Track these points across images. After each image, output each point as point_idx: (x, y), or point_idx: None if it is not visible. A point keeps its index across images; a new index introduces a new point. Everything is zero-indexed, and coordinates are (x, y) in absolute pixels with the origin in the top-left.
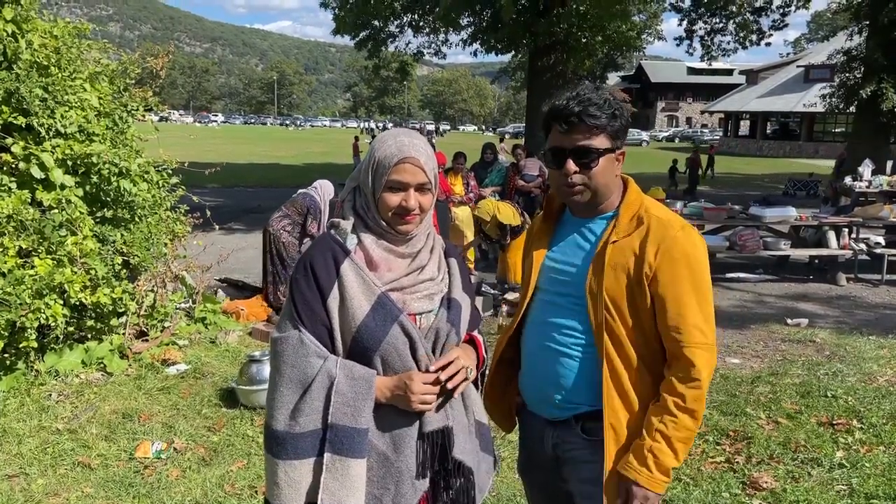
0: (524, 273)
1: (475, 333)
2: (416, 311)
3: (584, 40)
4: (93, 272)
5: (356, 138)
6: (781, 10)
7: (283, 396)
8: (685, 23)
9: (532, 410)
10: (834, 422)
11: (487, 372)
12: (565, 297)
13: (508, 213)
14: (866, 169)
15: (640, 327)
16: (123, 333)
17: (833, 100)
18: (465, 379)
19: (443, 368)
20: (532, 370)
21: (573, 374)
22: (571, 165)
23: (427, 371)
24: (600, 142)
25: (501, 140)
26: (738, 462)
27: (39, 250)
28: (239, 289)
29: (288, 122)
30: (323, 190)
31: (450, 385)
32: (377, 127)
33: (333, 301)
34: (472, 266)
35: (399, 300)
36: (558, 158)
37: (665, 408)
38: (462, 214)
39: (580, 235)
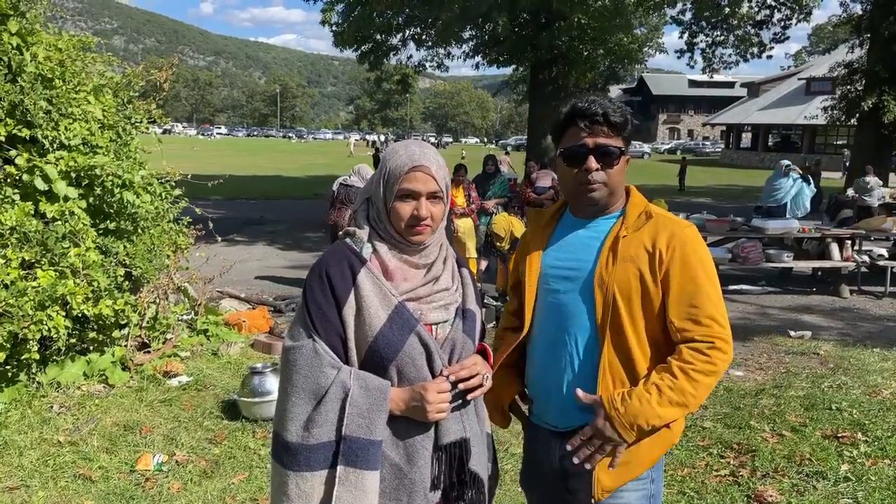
0: (520, 278)
1: (484, 343)
2: (433, 321)
3: (585, 53)
4: (95, 284)
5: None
6: (782, 23)
7: (295, 407)
8: (686, 35)
9: (538, 423)
10: (839, 435)
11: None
12: (572, 293)
13: (520, 228)
14: (874, 181)
15: (651, 321)
16: (125, 345)
17: (834, 112)
18: (481, 385)
19: (457, 375)
20: (541, 376)
21: (581, 377)
22: (593, 162)
23: (441, 375)
24: (619, 142)
25: (507, 153)
26: (742, 475)
27: (42, 262)
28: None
29: (291, 135)
30: (366, 176)
31: (462, 386)
32: (379, 139)
33: (349, 310)
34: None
35: (416, 310)
36: (578, 157)
37: (668, 368)
38: (464, 226)
39: (584, 233)
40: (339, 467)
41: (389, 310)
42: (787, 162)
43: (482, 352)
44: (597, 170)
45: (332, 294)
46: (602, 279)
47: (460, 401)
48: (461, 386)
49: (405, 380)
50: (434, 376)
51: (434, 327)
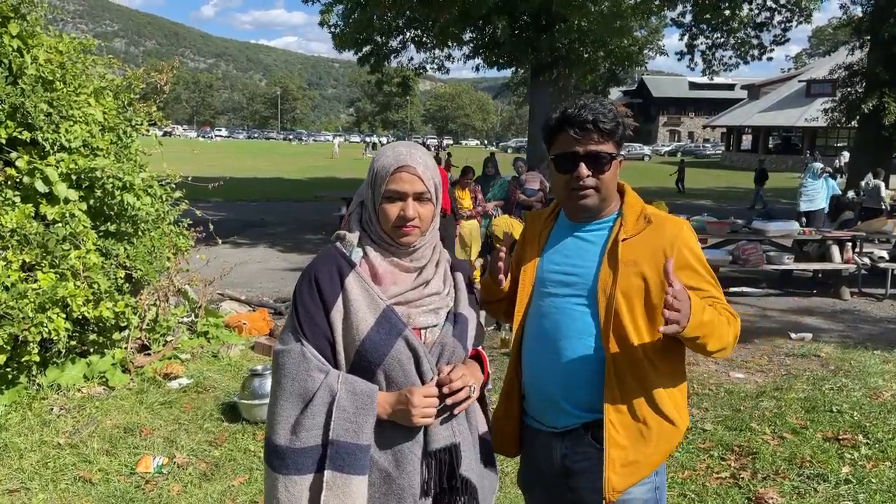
0: (515, 282)
1: (480, 349)
2: (422, 325)
3: (585, 55)
4: (95, 286)
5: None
6: (782, 25)
7: (283, 410)
8: (686, 37)
9: (535, 426)
10: (839, 437)
11: (496, 405)
12: (571, 297)
13: (521, 230)
14: (881, 183)
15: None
16: (126, 347)
17: (835, 114)
18: (468, 397)
19: (448, 384)
20: (538, 379)
21: (581, 380)
22: (584, 169)
23: (430, 382)
24: (610, 147)
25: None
26: (743, 477)
27: (43, 264)
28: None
29: (292, 137)
30: None
31: (450, 401)
32: (379, 142)
33: (337, 314)
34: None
35: (404, 314)
36: (569, 163)
37: (723, 309)
38: (469, 229)
39: (581, 238)
40: (326, 472)
41: (377, 314)
42: (820, 165)
43: (478, 357)
44: (588, 176)
45: (320, 298)
46: (605, 284)
47: (447, 413)
48: (449, 401)
49: (393, 384)
50: (423, 380)
51: (423, 331)
